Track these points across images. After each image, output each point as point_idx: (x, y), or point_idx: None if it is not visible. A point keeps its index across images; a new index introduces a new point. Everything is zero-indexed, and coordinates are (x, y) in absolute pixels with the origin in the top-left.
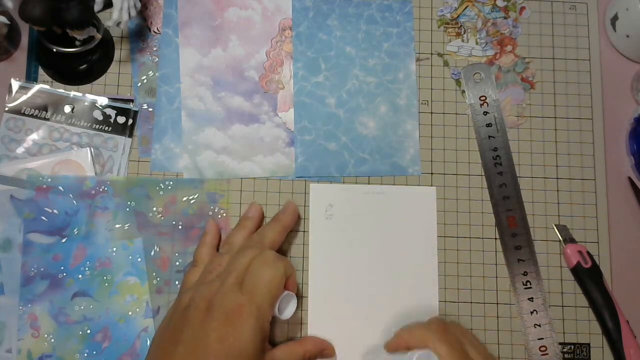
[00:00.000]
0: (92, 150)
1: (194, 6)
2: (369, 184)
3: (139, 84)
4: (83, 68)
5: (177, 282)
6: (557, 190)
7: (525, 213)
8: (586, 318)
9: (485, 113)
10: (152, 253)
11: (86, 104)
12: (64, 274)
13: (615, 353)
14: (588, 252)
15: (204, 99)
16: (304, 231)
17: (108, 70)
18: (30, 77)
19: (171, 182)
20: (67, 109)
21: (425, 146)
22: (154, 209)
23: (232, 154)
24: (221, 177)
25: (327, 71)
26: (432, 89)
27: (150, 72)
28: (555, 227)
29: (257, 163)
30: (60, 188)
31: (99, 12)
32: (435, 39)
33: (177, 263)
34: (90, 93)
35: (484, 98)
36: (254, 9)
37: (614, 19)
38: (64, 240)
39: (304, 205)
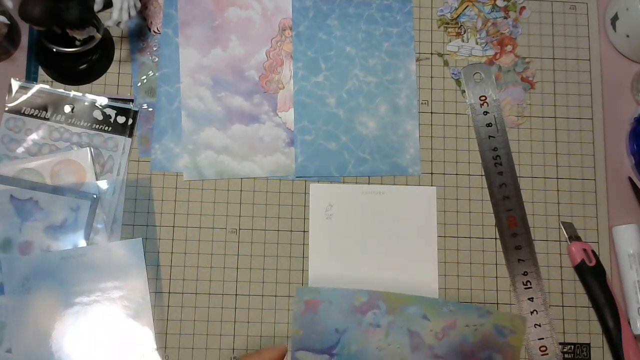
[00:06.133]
0: (92, 150)
1: (194, 6)
2: (369, 184)
3: (139, 84)
4: (83, 68)
5: None
6: (558, 190)
7: (525, 213)
8: (586, 318)
9: (485, 113)
10: None
11: (86, 103)
12: None
13: (614, 353)
14: (593, 251)
15: (204, 99)
16: (304, 231)
17: (108, 70)
18: (30, 77)
19: (452, 306)
20: (67, 108)
21: (425, 146)
22: (430, 330)
23: (232, 154)
24: (221, 177)
25: (327, 71)
26: (432, 89)
27: (150, 72)
28: (561, 224)
29: (257, 163)
30: (330, 302)
31: (99, 12)
32: (435, 39)
33: None
34: (90, 93)
35: (484, 98)
36: (254, 9)
37: (614, 19)
38: None
39: (304, 205)
